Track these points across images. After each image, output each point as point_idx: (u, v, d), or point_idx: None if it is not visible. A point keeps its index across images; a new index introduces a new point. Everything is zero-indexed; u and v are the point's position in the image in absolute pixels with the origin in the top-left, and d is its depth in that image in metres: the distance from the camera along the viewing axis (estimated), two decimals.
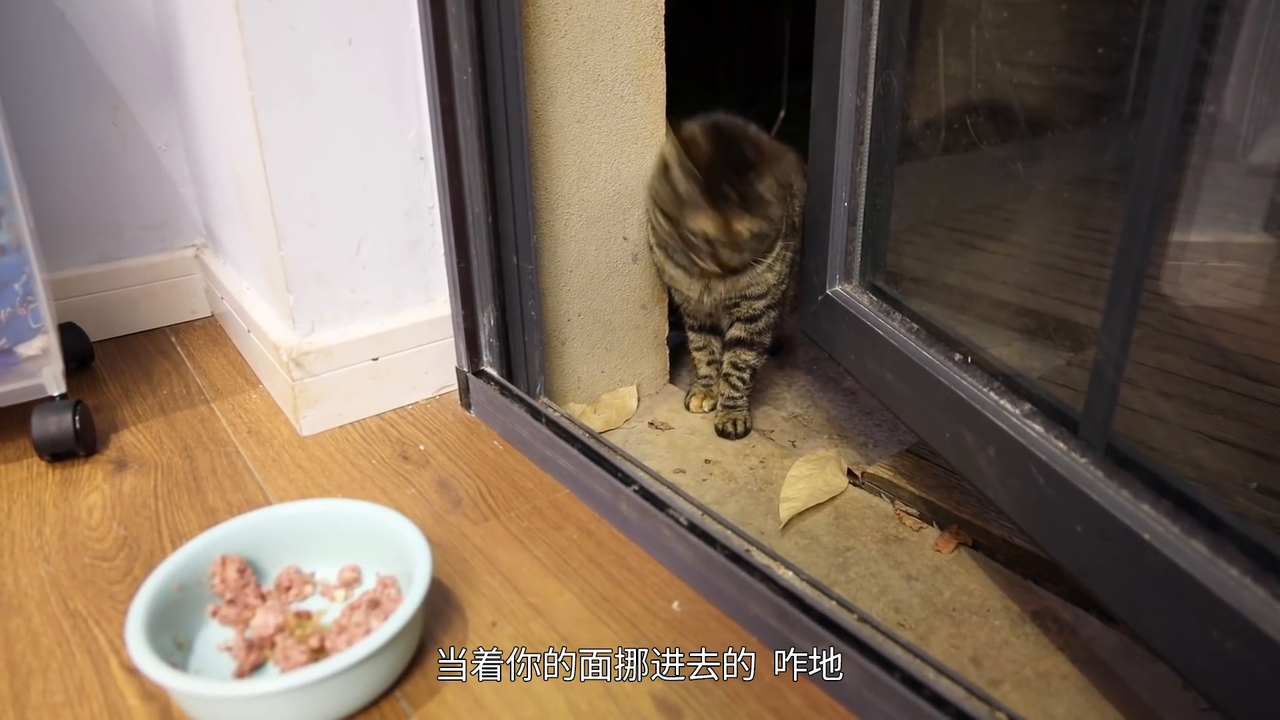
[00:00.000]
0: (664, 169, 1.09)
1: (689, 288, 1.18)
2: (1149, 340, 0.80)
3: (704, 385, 1.32)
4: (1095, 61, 0.85)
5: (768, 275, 1.16)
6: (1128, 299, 0.69)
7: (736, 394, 1.25)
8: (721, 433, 1.24)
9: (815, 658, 0.73)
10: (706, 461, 1.17)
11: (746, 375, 1.24)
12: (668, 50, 1.21)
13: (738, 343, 1.23)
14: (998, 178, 1.01)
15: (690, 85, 2.89)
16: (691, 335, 1.31)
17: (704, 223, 1.05)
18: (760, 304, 1.19)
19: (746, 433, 1.24)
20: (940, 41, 1.00)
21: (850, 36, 0.99)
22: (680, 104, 1.27)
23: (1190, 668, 0.63)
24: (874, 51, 0.99)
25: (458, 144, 1.07)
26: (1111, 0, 0.83)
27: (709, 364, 1.31)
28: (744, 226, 1.05)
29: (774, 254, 1.14)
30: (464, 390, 1.22)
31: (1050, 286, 1.01)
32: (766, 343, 1.24)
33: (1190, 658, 0.63)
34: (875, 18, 0.98)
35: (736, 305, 1.19)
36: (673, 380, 1.40)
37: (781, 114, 2.61)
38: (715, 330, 1.29)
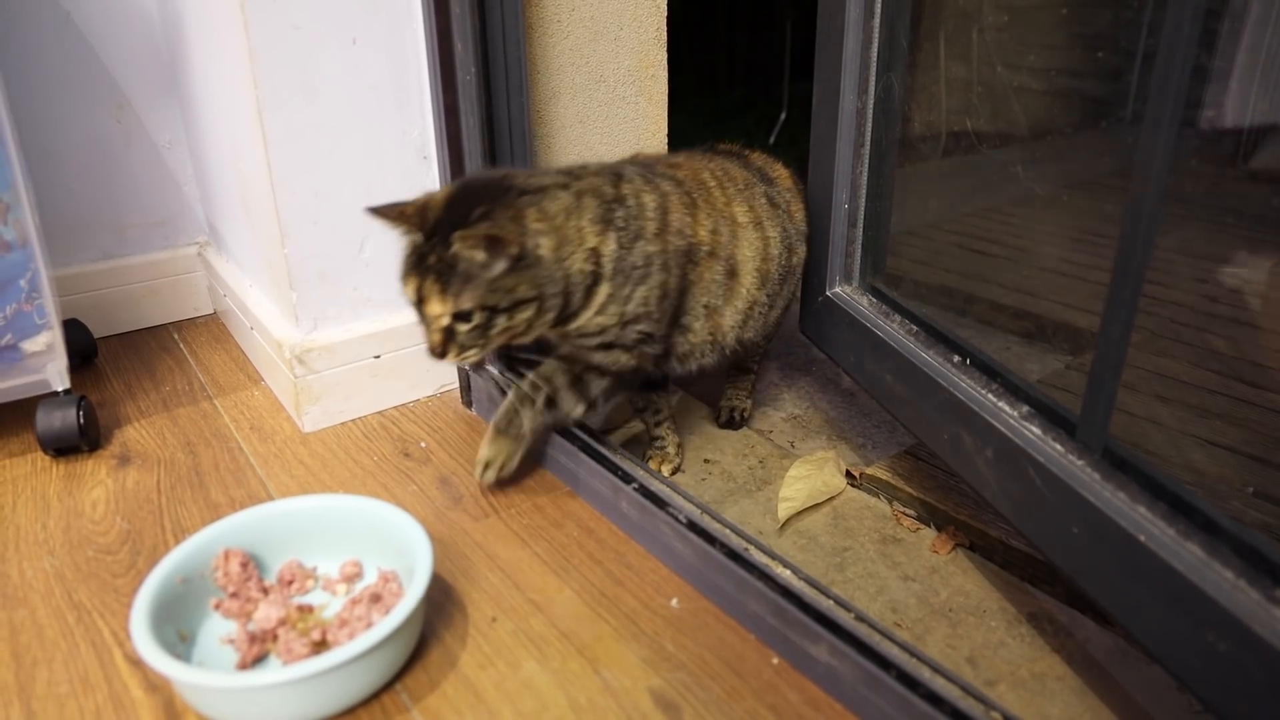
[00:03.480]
0: None
1: None
2: (1147, 344, 0.81)
3: (658, 448, 1.15)
4: (1095, 65, 0.86)
5: (598, 318, 0.94)
6: (1126, 303, 0.69)
7: (516, 419, 0.98)
8: (485, 480, 1.00)
9: (813, 655, 0.74)
10: (705, 461, 1.18)
11: (540, 399, 0.98)
12: (670, 51, 1.22)
13: (559, 357, 1.00)
14: (998, 181, 1.02)
15: (692, 86, 2.91)
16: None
17: (408, 291, 0.88)
18: (593, 341, 0.97)
19: (499, 480, 1.00)
20: (941, 45, 1.01)
21: (852, 39, 0.99)
22: (682, 105, 1.28)
23: (1185, 670, 0.63)
24: (875, 54, 1.00)
25: (461, 144, 1.08)
26: (1112, 4, 0.83)
27: (655, 424, 1.15)
28: (436, 308, 0.85)
29: (595, 304, 0.93)
30: (465, 388, 1.22)
31: (1049, 290, 1.01)
32: (592, 391, 1.00)
33: (1185, 660, 0.63)
34: (877, 20, 0.99)
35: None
36: None
37: (782, 116, 2.62)
38: (651, 385, 1.12)
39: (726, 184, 1.06)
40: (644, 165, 1.02)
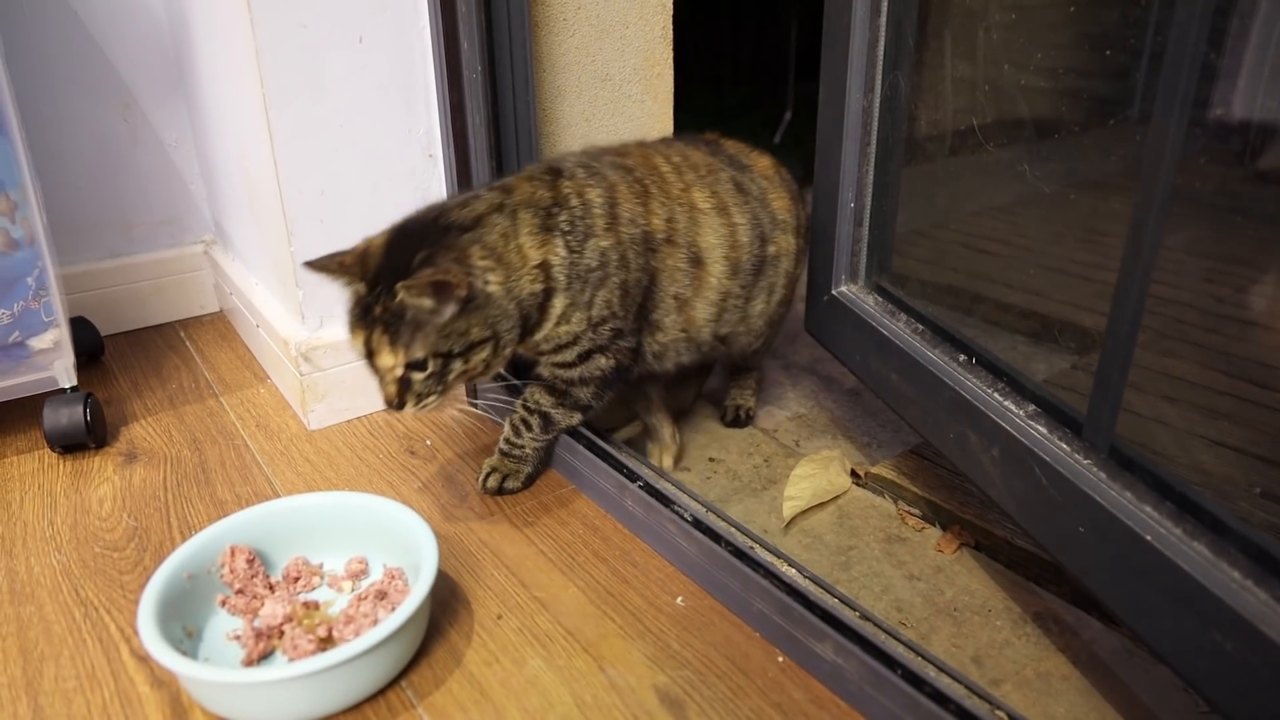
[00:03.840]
0: None
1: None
2: (1153, 344, 0.81)
3: (653, 437, 1.15)
4: (1103, 64, 0.85)
5: (562, 327, 0.92)
6: (1133, 302, 0.69)
7: (516, 442, 1.01)
8: (487, 488, 1.01)
9: (818, 653, 0.74)
10: (710, 460, 1.18)
11: (534, 422, 0.99)
12: (675, 50, 1.22)
13: (540, 380, 1.00)
14: (1004, 179, 1.02)
15: (697, 85, 2.91)
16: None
17: (356, 344, 0.85)
18: (571, 353, 0.95)
19: (502, 491, 1.02)
20: (948, 43, 1.01)
21: (858, 37, 0.99)
22: (687, 104, 1.28)
23: (1191, 670, 0.63)
24: (881, 52, 1.00)
25: (467, 142, 1.08)
26: (1120, 2, 0.83)
27: (647, 411, 1.14)
28: (388, 360, 0.83)
29: (556, 313, 0.91)
30: (470, 386, 1.22)
31: (1056, 289, 1.01)
32: (582, 399, 0.99)
33: (1191, 660, 0.63)
34: (883, 19, 0.99)
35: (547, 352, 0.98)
36: None
37: (788, 115, 2.62)
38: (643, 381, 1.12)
39: (685, 170, 1.02)
40: (589, 156, 0.98)
